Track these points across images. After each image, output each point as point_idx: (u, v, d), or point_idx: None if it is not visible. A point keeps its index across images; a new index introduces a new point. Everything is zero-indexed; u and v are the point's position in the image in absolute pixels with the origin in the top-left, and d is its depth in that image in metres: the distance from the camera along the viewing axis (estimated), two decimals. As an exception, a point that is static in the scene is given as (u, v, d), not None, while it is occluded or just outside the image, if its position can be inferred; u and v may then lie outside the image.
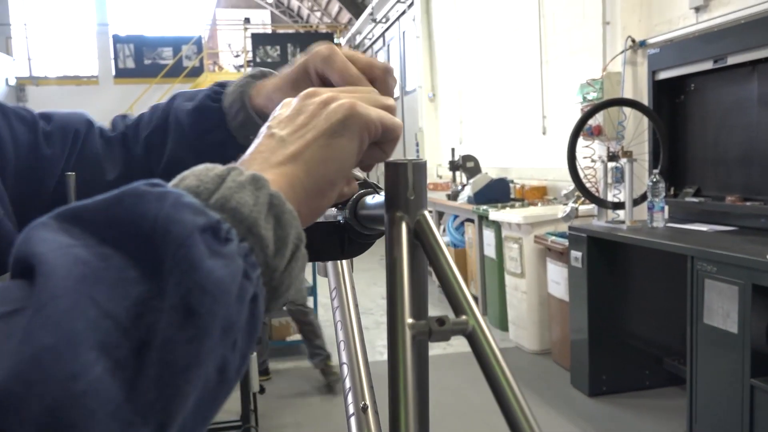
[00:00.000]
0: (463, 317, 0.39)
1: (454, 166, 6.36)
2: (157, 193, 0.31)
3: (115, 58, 13.64)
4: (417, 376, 0.38)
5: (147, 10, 16.64)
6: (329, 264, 0.89)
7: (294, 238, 0.36)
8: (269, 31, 17.02)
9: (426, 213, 0.45)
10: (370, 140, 0.45)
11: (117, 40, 13.66)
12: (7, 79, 12.81)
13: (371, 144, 0.45)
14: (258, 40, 14.46)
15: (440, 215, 6.89)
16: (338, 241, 0.66)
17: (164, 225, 0.30)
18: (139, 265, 0.29)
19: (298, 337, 4.67)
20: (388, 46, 11.57)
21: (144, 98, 13.28)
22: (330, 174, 0.42)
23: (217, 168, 0.36)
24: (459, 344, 4.85)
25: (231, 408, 3.31)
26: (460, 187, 6.20)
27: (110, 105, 13.30)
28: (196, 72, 13.70)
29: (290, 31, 17.02)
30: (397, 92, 10.98)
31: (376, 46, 12.54)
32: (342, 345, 0.80)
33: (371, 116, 0.44)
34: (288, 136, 0.43)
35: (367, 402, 0.71)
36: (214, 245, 0.31)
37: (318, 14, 18.89)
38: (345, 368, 0.78)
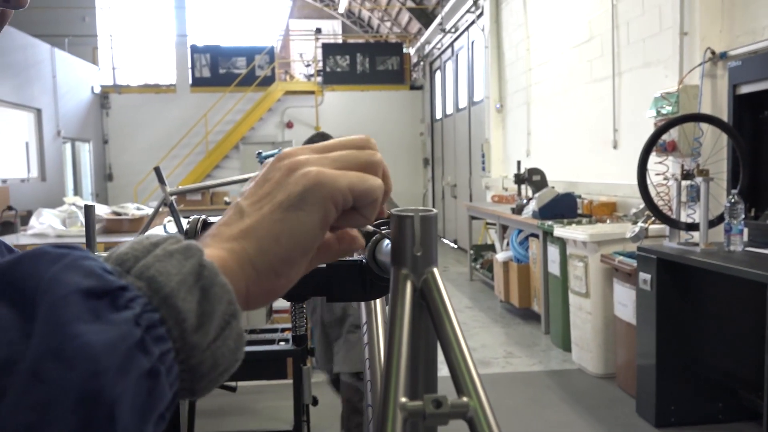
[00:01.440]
0: (465, 399, 0.34)
1: (519, 179, 6.22)
2: (57, 254, 0.29)
3: (192, 68, 14.17)
4: (406, 466, 0.34)
5: (223, 21, 17.21)
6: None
7: (224, 313, 0.33)
8: (340, 41, 17.27)
9: (435, 271, 0.41)
10: (338, 211, 0.41)
11: (194, 50, 14.19)
12: (92, 87, 13.52)
13: (350, 209, 0.42)
14: (328, 49, 14.70)
15: (504, 229, 6.75)
16: (360, 281, 0.62)
17: (47, 284, 0.28)
18: (17, 324, 0.27)
19: (355, 348, 4.66)
20: (457, 56, 11.50)
21: (218, 106, 13.72)
22: (282, 252, 0.39)
23: (156, 237, 0.34)
24: (520, 363, 4.72)
25: (285, 417, 3.33)
26: (525, 201, 6.05)
27: (186, 112, 13.83)
28: (268, 81, 14.04)
29: (360, 41, 17.21)
30: (464, 102, 10.90)
31: (444, 56, 12.49)
32: (369, 385, 0.76)
33: (338, 185, 0.40)
34: (247, 207, 0.41)
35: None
36: (102, 310, 0.28)
37: (388, 24, 19.02)
38: (370, 411, 0.74)
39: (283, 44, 17.98)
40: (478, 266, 7.93)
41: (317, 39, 15.13)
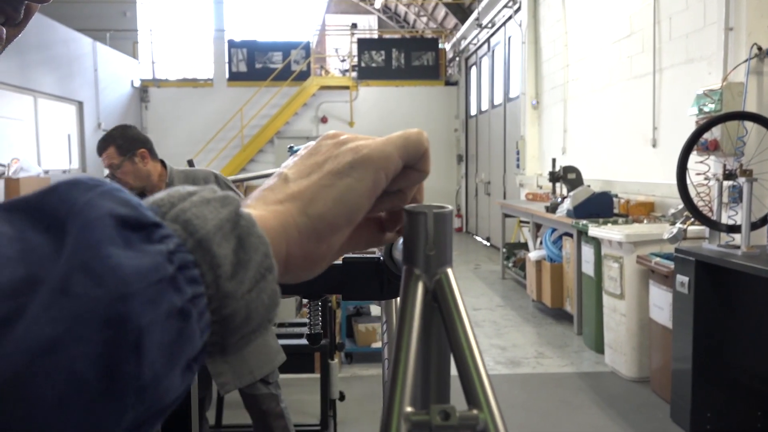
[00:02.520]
0: (475, 411, 0.32)
1: (554, 177, 6.11)
2: (93, 183, 0.28)
3: (229, 62, 14.32)
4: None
5: (260, 16, 17.35)
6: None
7: (260, 265, 0.32)
8: (375, 36, 17.25)
9: (449, 271, 0.38)
10: (388, 178, 0.41)
11: (232, 45, 14.33)
12: (132, 81, 13.78)
13: (405, 169, 0.43)
14: (364, 45, 14.69)
15: (538, 227, 6.65)
16: (377, 280, 0.60)
17: (81, 208, 0.27)
18: (47, 244, 0.26)
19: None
20: (493, 51, 11.37)
21: (254, 100, 13.85)
22: (329, 216, 0.39)
23: (193, 188, 0.33)
24: (551, 363, 4.65)
25: (312, 412, 3.34)
26: (559, 200, 5.95)
27: (223, 106, 13.99)
28: (303, 76, 14.11)
29: (396, 36, 17.15)
30: (499, 99, 10.78)
31: (480, 52, 12.37)
32: (387, 386, 0.74)
33: (386, 152, 0.41)
34: (293, 176, 0.41)
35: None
36: (134, 240, 0.27)
37: (424, 19, 18.93)
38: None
39: (319, 39, 18.04)
40: (510, 264, 7.84)
41: (353, 34, 15.14)
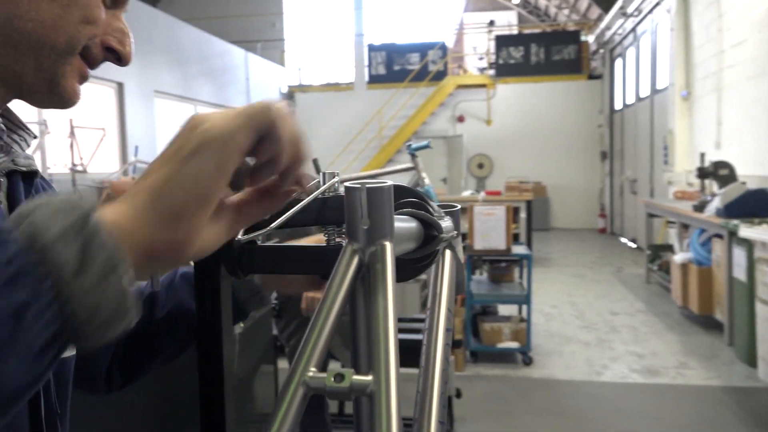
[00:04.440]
0: (369, 377, 0.32)
1: (703, 174, 5.63)
2: None
3: (369, 65, 14.76)
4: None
5: (398, 19, 17.68)
6: (431, 281, 0.83)
7: (105, 263, 0.35)
8: (515, 32, 16.89)
9: (387, 244, 0.39)
10: (239, 154, 0.43)
11: (371, 48, 14.76)
12: (279, 88, 14.66)
13: (262, 139, 0.44)
14: (501, 41, 14.46)
15: (685, 228, 6.16)
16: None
17: None
18: None
19: (509, 344, 4.57)
20: (639, 41, 10.68)
21: (392, 101, 14.16)
22: (177, 202, 0.41)
23: (53, 194, 0.38)
24: (694, 375, 4.30)
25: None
26: (709, 198, 5.46)
27: (362, 108, 14.45)
28: (440, 75, 14.18)
29: (536, 31, 16.68)
30: (646, 91, 10.10)
31: (625, 42, 11.68)
32: (420, 371, 0.74)
33: (229, 127, 0.42)
34: (151, 167, 0.43)
35: (430, 439, 0.65)
36: None
37: (566, 12, 18.22)
38: (418, 397, 0.72)
39: (457, 38, 18.02)
40: (655, 267, 7.33)
41: (490, 31, 14.95)
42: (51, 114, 6.94)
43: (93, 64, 0.59)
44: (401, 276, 0.69)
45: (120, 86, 8.39)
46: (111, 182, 7.50)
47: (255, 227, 0.64)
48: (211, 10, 14.66)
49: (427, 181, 3.22)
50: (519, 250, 4.71)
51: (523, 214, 8.61)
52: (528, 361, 4.52)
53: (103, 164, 7.94)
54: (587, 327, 5.59)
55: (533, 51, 14.15)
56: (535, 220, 13.03)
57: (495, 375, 4.34)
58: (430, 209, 0.61)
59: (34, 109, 5.51)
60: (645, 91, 10.28)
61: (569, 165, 13.97)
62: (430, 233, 0.58)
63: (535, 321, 5.70)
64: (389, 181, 0.40)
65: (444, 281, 0.86)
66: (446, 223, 0.65)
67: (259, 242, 0.67)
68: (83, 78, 0.59)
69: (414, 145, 3.27)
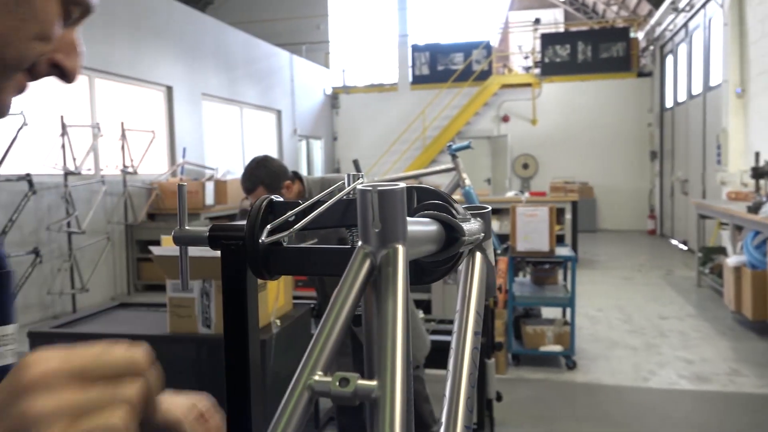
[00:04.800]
0: (374, 382, 0.32)
1: (757, 173, 5.42)
2: None
3: (413, 66, 14.74)
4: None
5: (443, 18, 17.61)
6: (460, 284, 0.83)
7: None
8: (561, 29, 16.61)
9: (399, 248, 0.39)
10: None
11: (415, 49, 14.74)
12: (324, 89, 14.79)
13: None
14: (547, 40, 14.24)
15: (739, 230, 5.94)
16: (413, 268, 0.61)
17: None
18: None
19: (552, 347, 4.49)
20: (691, 37, 10.36)
21: (435, 102, 14.11)
22: None
23: None
24: (746, 383, 4.16)
25: (470, 410, 3.31)
26: (764, 198, 5.26)
27: (406, 109, 14.45)
28: (485, 75, 14.06)
29: (583, 28, 16.36)
30: (698, 88, 9.79)
31: (677, 38, 11.35)
32: (448, 375, 0.74)
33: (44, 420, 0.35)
34: None
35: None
36: None
37: (614, 8, 17.82)
38: (444, 401, 0.71)
39: (502, 37, 17.84)
40: (706, 271, 7.09)
41: (536, 30, 14.74)
42: (103, 117, 7.17)
43: (34, 79, 0.55)
44: (425, 279, 0.69)
45: (169, 90, 8.61)
46: (159, 183, 7.71)
47: (279, 229, 0.65)
48: (258, 14, 14.90)
49: (467, 181, 3.20)
50: (563, 251, 4.62)
51: (568, 216, 8.46)
52: (571, 365, 4.43)
53: (153, 166, 8.15)
54: (634, 331, 5.45)
55: (580, 49, 13.89)
56: (581, 221, 12.78)
57: (537, 379, 4.28)
58: (453, 211, 0.60)
59: (88, 113, 5.68)
60: (697, 89, 9.97)
61: (617, 165, 13.66)
62: (452, 236, 0.58)
63: (580, 324, 5.59)
64: (401, 184, 0.40)
65: (473, 284, 0.85)
66: (471, 225, 0.65)
67: (284, 244, 0.68)
68: (20, 91, 0.55)
69: (455, 146, 3.26)
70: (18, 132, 5.42)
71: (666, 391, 4.04)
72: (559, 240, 7.58)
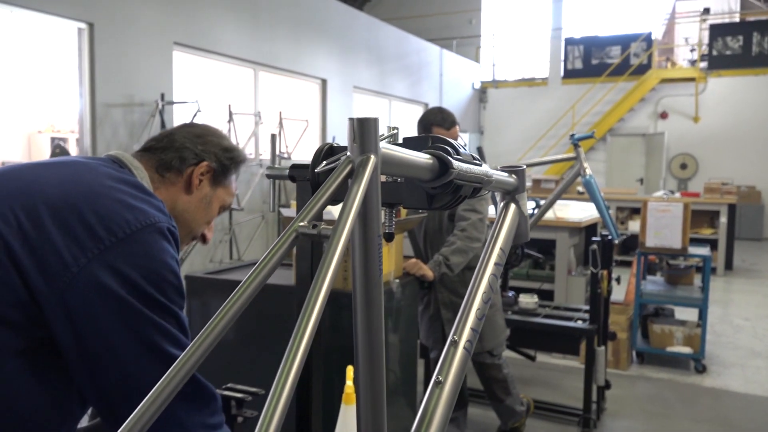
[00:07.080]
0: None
1: None
2: None
3: (565, 60, 14.38)
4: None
5: (600, 10, 16.91)
6: (493, 226, 1.00)
7: None
8: (736, 19, 15.27)
9: (372, 157, 0.60)
10: None
11: (569, 42, 14.37)
12: (473, 84, 14.90)
13: None
14: (716, 30, 13.20)
15: None
16: (423, 192, 0.81)
17: None
18: None
19: (681, 348, 4.35)
20: None
21: (587, 97, 13.67)
22: None
23: None
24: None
25: (581, 397, 3.37)
26: None
27: (555, 104, 14.16)
28: (643, 69, 13.38)
29: (761, 18, 14.91)
30: None
31: None
32: (470, 287, 0.92)
33: None
34: None
35: (441, 378, 0.80)
36: None
37: (803, -5, 15.98)
38: (461, 307, 0.90)
39: (667, 29, 16.75)
40: None
41: (703, 20, 13.71)
42: (264, 107, 7.93)
43: (192, 241, 1.25)
44: (434, 204, 0.86)
45: (323, 82, 9.25)
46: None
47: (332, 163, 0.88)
48: (411, 10, 15.34)
49: (588, 171, 3.23)
50: (698, 250, 4.44)
51: (723, 219, 7.93)
52: (701, 369, 4.26)
53: (305, 152, 8.84)
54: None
55: (755, 40, 12.73)
56: (743, 227, 11.77)
57: (660, 378, 4.17)
58: (452, 152, 0.79)
59: (251, 101, 6.46)
60: None
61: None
62: (443, 168, 0.76)
63: (721, 331, 5.31)
64: (376, 117, 0.61)
65: (504, 227, 1.05)
66: (471, 166, 0.83)
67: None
68: (186, 244, 1.23)
69: (577, 135, 3.30)
70: (193, 118, 6.21)
71: (806, 405, 3.77)
72: (712, 245, 7.13)
